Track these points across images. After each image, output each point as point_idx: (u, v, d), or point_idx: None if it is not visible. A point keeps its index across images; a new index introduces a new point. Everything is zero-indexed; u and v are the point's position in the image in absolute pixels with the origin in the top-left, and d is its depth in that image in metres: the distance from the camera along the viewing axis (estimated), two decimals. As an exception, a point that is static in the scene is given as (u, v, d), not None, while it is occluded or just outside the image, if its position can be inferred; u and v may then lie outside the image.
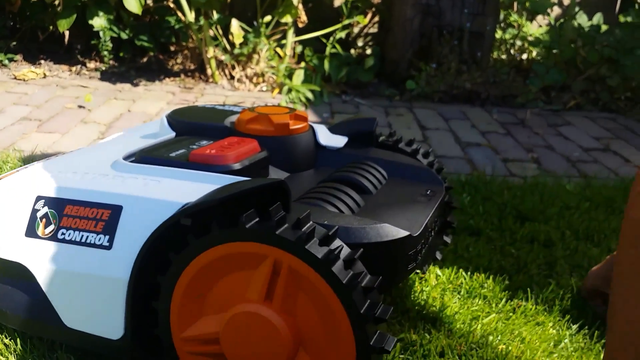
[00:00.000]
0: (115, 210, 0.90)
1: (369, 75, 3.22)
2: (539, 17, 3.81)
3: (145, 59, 3.37)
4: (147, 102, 2.70)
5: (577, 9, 3.53)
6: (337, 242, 0.82)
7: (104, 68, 3.17)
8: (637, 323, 0.56)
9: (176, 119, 1.22)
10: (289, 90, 2.93)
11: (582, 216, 1.71)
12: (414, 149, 1.27)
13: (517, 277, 1.37)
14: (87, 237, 0.91)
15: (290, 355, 0.83)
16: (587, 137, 2.65)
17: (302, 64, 3.17)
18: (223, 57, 3.07)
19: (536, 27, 3.74)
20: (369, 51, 3.54)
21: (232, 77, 3.13)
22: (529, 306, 1.26)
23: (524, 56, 3.63)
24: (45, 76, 3.01)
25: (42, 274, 0.95)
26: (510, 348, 1.11)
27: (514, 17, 3.59)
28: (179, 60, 3.41)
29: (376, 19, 3.58)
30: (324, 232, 0.81)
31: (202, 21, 2.95)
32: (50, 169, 1.04)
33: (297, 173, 1.16)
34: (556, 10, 3.90)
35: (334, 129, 1.28)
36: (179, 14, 3.03)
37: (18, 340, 1.04)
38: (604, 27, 3.42)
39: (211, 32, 3.04)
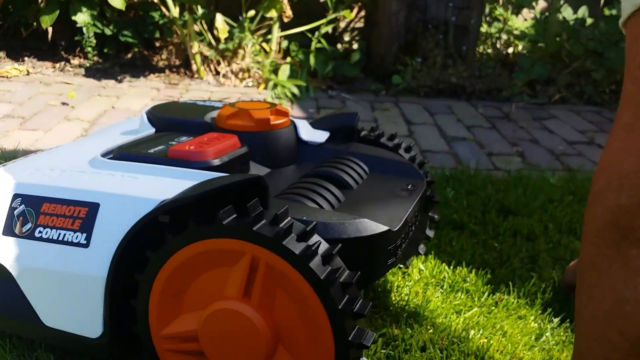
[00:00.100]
0: (92, 208, 0.89)
1: (355, 70, 3.22)
2: (525, 11, 3.82)
3: (129, 55, 3.35)
4: (131, 99, 2.69)
5: (562, 2, 3.54)
6: (315, 238, 0.81)
7: (88, 64, 3.15)
8: (601, 319, 0.56)
9: (156, 115, 1.21)
10: (275, 86, 2.92)
11: (565, 209, 1.72)
12: (395, 143, 1.27)
13: (500, 271, 1.37)
14: (65, 235, 0.91)
15: (269, 351, 0.82)
16: (571, 130, 2.65)
17: (288, 59, 3.16)
18: (208, 53, 3.05)
19: (522, 21, 3.75)
20: (355, 46, 3.54)
21: (218, 73, 3.11)
22: (511, 300, 1.26)
23: (510, 50, 3.64)
24: (28, 73, 2.98)
25: (19, 272, 0.94)
26: (491, 342, 1.11)
27: (499, 10, 3.60)
28: (163, 56, 3.39)
29: (362, 13, 3.58)
30: (302, 227, 0.81)
31: (186, 16, 2.93)
32: (27, 167, 1.03)
33: (278, 169, 1.16)
34: (541, 4, 3.91)
35: (315, 124, 1.27)
36: (163, 9, 3.01)
37: (-3, 339, 1.04)
38: (589, 21, 3.43)
39: (196, 28, 3.02)
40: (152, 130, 1.18)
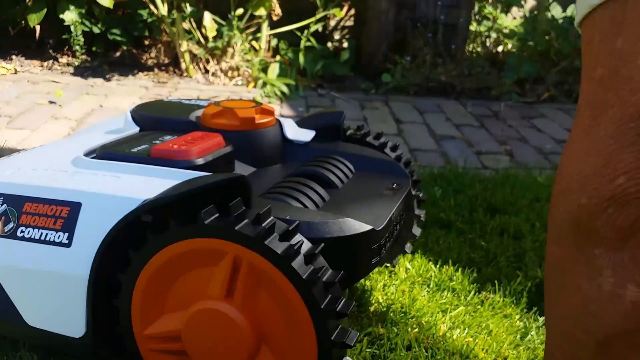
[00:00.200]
0: (74, 207, 0.89)
1: (345, 69, 3.22)
2: (514, 9, 3.82)
3: (118, 54, 3.34)
4: (119, 97, 2.68)
5: (550, 0, 3.55)
6: (298, 237, 0.81)
7: (76, 63, 3.13)
8: (568, 318, 0.57)
9: (140, 114, 1.20)
10: (264, 84, 2.92)
11: (552, 208, 1.72)
12: (381, 142, 1.26)
13: (486, 270, 1.37)
14: (47, 234, 0.90)
15: (252, 351, 0.82)
16: (560, 129, 2.66)
17: (278, 58, 3.16)
18: (197, 51, 3.04)
19: (511, 19, 3.76)
20: (345, 44, 3.53)
21: (207, 71, 3.11)
22: (497, 298, 1.26)
23: (500, 48, 3.64)
24: (16, 72, 2.97)
25: (2, 272, 0.93)
26: (477, 341, 1.12)
27: (488, 9, 3.60)
28: (152, 55, 3.38)
29: (352, 11, 3.58)
30: (284, 227, 0.80)
31: (175, 14, 2.92)
32: (9, 166, 1.02)
33: (264, 168, 1.15)
34: (530, 2, 3.92)
35: (301, 123, 1.27)
36: (152, 7, 3.00)
37: (-21, 340, 1.03)
38: (577, 19, 3.43)
39: (185, 26, 3.01)
40: (137, 129, 1.18)
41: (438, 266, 1.37)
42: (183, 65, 3.09)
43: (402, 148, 2.26)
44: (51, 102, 2.53)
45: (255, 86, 2.96)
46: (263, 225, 0.78)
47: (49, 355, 1.01)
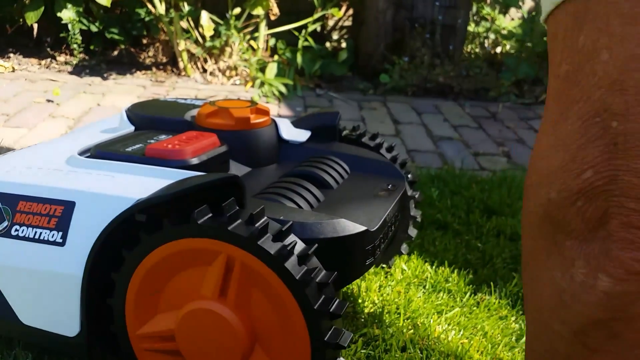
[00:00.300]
0: (68, 206, 0.89)
1: (343, 69, 3.22)
2: (512, 10, 3.82)
3: (116, 52, 3.33)
4: (117, 96, 2.67)
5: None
6: (291, 238, 0.81)
7: (74, 61, 3.13)
8: (545, 310, 0.58)
9: (136, 113, 1.20)
10: (262, 84, 2.91)
11: (549, 209, 1.72)
12: (377, 143, 1.26)
13: (482, 271, 1.37)
14: (41, 233, 0.90)
15: (245, 351, 0.82)
16: (557, 130, 2.66)
17: (276, 58, 3.16)
18: (195, 50, 3.04)
19: (509, 21, 3.76)
20: (344, 44, 3.53)
21: (205, 71, 3.10)
22: (493, 300, 1.26)
23: (498, 49, 3.64)
24: (14, 70, 2.96)
25: (-4, 271, 0.93)
26: (472, 342, 1.11)
27: (486, 10, 3.60)
28: (150, 53, 3.37)
29: (351, 11, 3.57)
30: (278, 227, 0.80)
31: (172, 13, 2.92)
32: (4, 165, 1.02)
33: (259, 168, 1.15)
34: (529, 3, 3.92)
35: (297, 123, 1.27)
36: (149, 6, 2.99)
37: (-27, 338, 1.03)
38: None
39: (183, 25, 3.01)
40: (132, 128, 1.17)
41: (434, 267, 1.36)
42: (181, 65, 3.09)
43: (400, 149, 2.26)
44: (49, 101, 2.53)
45: (253, 86, 2.96)
46: (256, 225, 0.78)
47: (43, 353, 1.01)
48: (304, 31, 3.16)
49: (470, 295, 1.28)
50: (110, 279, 0.87)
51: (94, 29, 3.12)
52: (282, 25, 3.15)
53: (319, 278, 0.79)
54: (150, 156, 0.97)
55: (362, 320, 1.16)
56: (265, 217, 0.81)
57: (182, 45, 2.99)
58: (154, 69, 3.14)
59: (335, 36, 3.72)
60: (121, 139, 1.07)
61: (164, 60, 3.27)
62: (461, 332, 1.14)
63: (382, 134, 2.43)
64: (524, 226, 0.61)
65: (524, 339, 1.15)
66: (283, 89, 2.88)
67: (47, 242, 0.89)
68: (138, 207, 0.81)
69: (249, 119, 1.13)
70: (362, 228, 0.89)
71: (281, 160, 1.19)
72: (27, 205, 0.92)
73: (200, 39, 3.08)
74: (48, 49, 3.26)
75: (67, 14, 2.92)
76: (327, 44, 3.58)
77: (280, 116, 2.20)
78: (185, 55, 3.03)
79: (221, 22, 3.04)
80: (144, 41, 3.45)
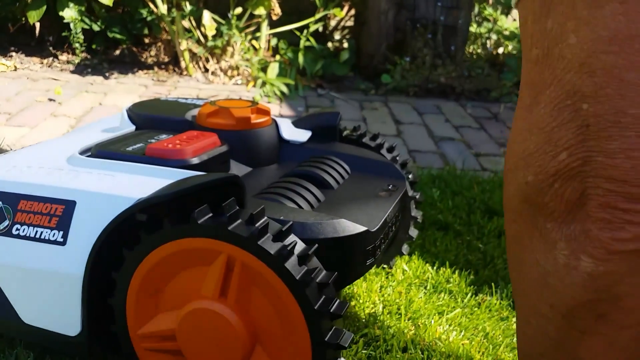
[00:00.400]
0: (69, 206, 0.89)
1: (345, 69, 3.21)
2: (514, 11, 3.82)
3: (118, 52, 3.34)
4: (119, 95, 2.68)
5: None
6: (292, 238, 0.81)
7: (76, 60, 3.13)
8: (532, 293, 0.58)
9: (136, 113, 1.20)
10: (264, 84, 2.91)
11: (550, 210, 1.72)
12: (378, 143, 1.26)
13: (484, 272, 1.37)
14: (42, 232, 0.90)
15: (246, 351, 0.82)
16: (559, 131, 2.65)
17: (277, 57, 3.16)
18: (197, 50, 3.04)
19: (511, 21, 3.76)
20: (345, 44, 3.53)
21: (207, 70, 3.10)
22: (494, 301, 1.26)
23: (500, 50, 3.64)
24: (16, 69, 2.97)
25: (-2, 270, 0.93)
26: (473, 343, 1.11)
27: (488, 10, 3.60)
28: (152, 53, 3.38)
29: (353, 11, 3.57)
30: (278, 227, 0.80)
31: (174, 13, 2.92)
32: (4, 164, 1.02)
33: (259, 168, 1.15)
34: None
35: (297, 123, 1.27)
36: (151, 5, 3.00)
37: (-26, 337, 1.03)
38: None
39: (185, 24, 3.01)
40: (133, 127, 1.17)
41: (435, 268, 1.36)
42: (183, 64, 3.09)
43: (401, 149, 2.26)
44: (50, 100, 2.53)
45: (254, 86, 2.96)
46: (256, 225, 0.78)
47: (45, 353, 1.01)
48: (305, 31, 3.16)
49: (471, 296, 1.27)
50: (111, 279, 0.87)
51: (96, 28, 3.12)
52: (284, 25, 3.15)
53: (319, 278, 0.79)
54: (150, 156, 0.97)
55: (363, 320, 1.16)
56: (266, 217, 0.81)
57: (184, 44, 2.99)
58: (155, 69, 3.14)
59: (337, 36, 3.72)
60: (122, 139, 1.07)
61: (166, 59, 3.27)
62: (462, 333, 1.14)
63: (384, 134, 2.43)
64: (506, 211, 0.61)
65: (524, 339, 1.15)
66: (285, 89, 2.88)
67: (48, 241, 0.89)
68: (138, 207, 0.81)
69: (249, 119, 1.13)
70: (363, 228, 0.89)
71: (282, 160, 1.19)
72: (28, 205, 0.92)
73: (202, 39, 3.08)
74: (50, 48, 3.26)
75: (69, 13, 2.92)
76: (329, 44, 3.58)
77: (281, 116, 2.20)
78: (187, 55, 3.03)
79: (223, 21, 3.04)
80: (146, 41, 3.45)
